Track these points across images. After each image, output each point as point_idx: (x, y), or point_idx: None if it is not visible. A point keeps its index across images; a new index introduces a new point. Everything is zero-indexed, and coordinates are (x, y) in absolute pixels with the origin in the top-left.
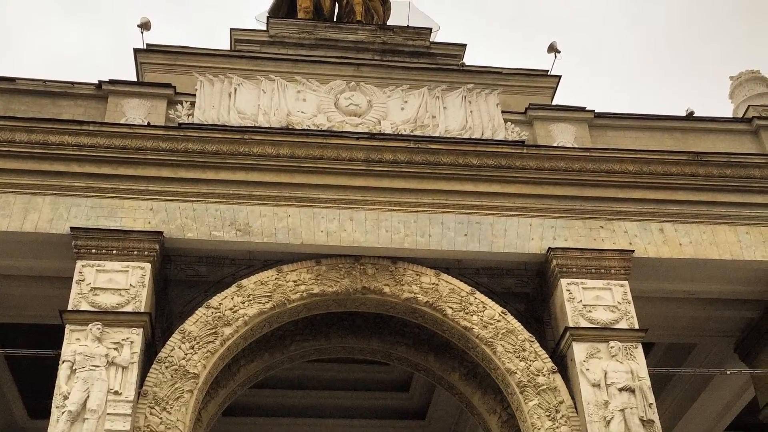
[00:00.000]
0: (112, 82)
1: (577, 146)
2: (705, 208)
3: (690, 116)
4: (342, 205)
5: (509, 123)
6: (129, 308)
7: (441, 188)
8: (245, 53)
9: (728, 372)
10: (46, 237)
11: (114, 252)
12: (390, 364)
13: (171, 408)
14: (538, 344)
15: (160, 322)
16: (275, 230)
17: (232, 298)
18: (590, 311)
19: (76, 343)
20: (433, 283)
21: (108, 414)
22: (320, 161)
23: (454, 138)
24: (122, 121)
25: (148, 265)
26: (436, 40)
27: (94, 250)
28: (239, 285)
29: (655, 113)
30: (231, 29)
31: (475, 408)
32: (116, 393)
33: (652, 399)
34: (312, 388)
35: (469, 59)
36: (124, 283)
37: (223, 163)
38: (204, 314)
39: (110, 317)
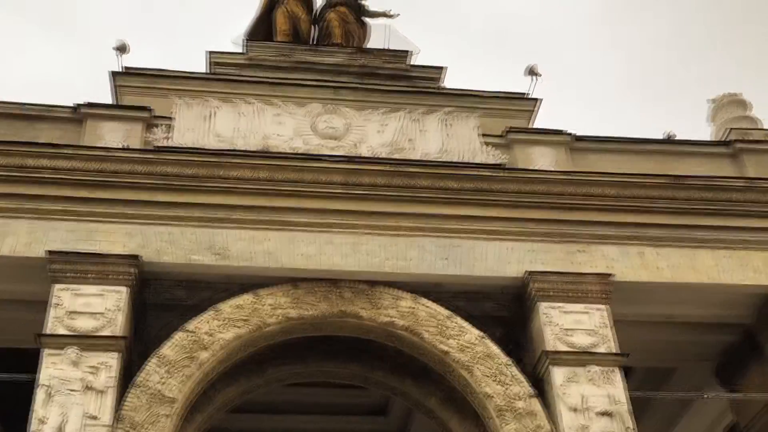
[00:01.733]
0: (89, 105)
1: (556, 169)
2: (685, 232)
3: (670, 139)
4: (320, 229)
5: (488, 146)
6: (106, 332)
7: (419, 212)
8: (223, 76)
9: (708, 396)
10: (22, 261)
11: (91, 276)
12: (368, 389)
13: None
14: (516, 368)
15: (137, 346)
16: (253, 254)
17: (209, 322)
18: (569, 335)
19: (52, 367)
20: (411, 307)
21: None
22: (298, 185)
23: (432, 161)
24: (100, 145)
25: (124, 289)
26: (415, 62)
27: (70, 274)
28: (216, 309)
29: (635, 136)
30: (208, 52)
31: None
32: (93, 417)
33: (630, 423)
34: (289, 412)
35: (449, 82)
36: (101, 307)
37: (201, 187)
38: (181, 338)
39: (87, 341)
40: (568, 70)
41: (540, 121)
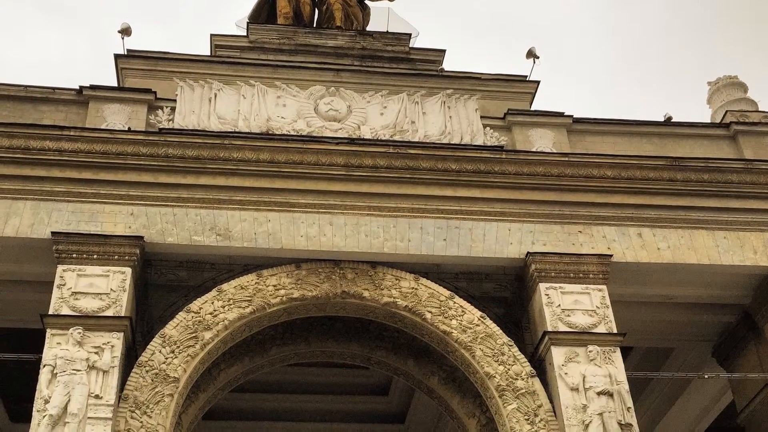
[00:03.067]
0: (92, 87)
1: (555, 151)
2: (683, 213)
3: (668, 122)
4: (322, 210)
5: (488, 128)
6: (110, 312)
7: (420, 193)
8: (225, 59)
9: (706, 376)
10: (27, 242)
11: (95, 256)
12: (369, 368)
13: (151, 412)
14: (516, 348)
15: (140, 327)
16: (255, 235)
17: (213, 303)
18: (569, 315)
19: (57, 347)
20: (413, 288)
21: (89, 418)
22: (300, 166)
23: (433, 143)
24: (103, 127)
25: (128, 270)
26: (416, 45)
27: (74, 255)
28: (219, 289)
29: (634, 119)
30: (211, 35)
31: (454, 412)
32: (97, 397)
33: (630, 403)
34: (292, 391)
35: (449, 65)
36: (105, 287)
37: (204, 168)
38: (184, 318)
39: (91, 321)
40: (567, 53)
41: (539, 103)
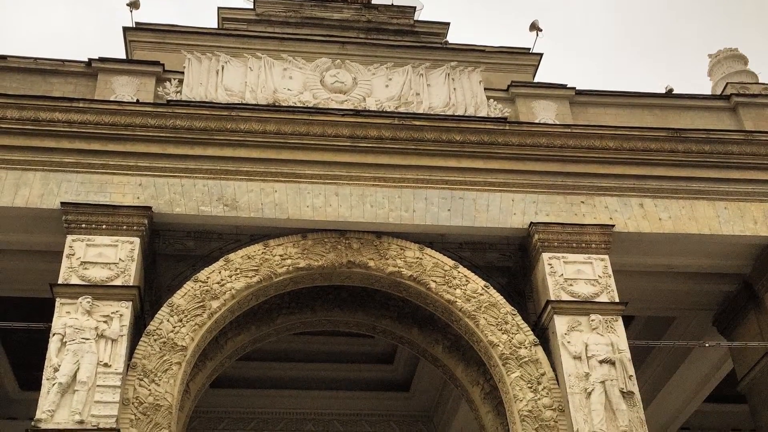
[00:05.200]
0: (101, 59)
1: (558, 123)
2: (684, 184)
3: (669, 93)
4: (327, 181)
5: (492, 100)
6: (118, 282)
7: (425, 164)
8: (232, 31)
9: (707, 345)
10: (36, 212)
11: (103, 227)
12: (374, 337)
13: (159, 380)
14: (520, 317)
15: (148, 296)
16: (262, 205)
17: (220, 272)
18: (571, 285)
19: (66, 316)
20: (417, 258)
21: (97, 386)
22: (306, 137)
23: (437, 115)
24: (112, 98)
25: (137, 240)
26: (420, 18)
27: (84, 225)
28: (226, 259)
29: (635, 90)
30: (218, 8)
31: (458, 380)
32: (106, 365)
33: (632, 371)
34: (298, 360)
35: (453, 37)
36: (114, 257)
37: (211, 140)
38: (192, 288)
39: (100, 291)
40: (570, 25)
41: (542, 75)
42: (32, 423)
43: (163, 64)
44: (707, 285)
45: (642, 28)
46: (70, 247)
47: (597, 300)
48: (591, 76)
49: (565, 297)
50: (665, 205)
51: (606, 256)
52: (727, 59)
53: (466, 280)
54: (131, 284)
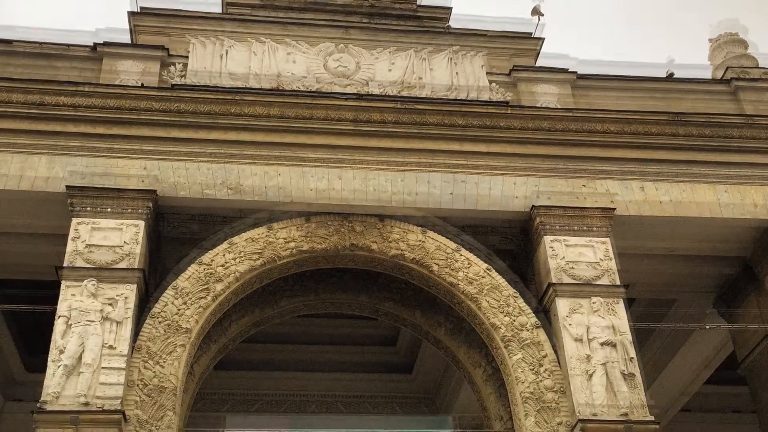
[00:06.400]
0: (106, 44)
1: (560, 106)
2: (685, 167)
3: (670, 77)
4: (331, 164)
5: (494, 84)
6: (123, 265)
7: (427, 147)
8: (236, 16)
9: (707, 327)
10: (42, 195)
11: (108, 210)
12: (377, 320)
13: (164, 362)
14: (522, 300)
15: (153, 279)
16: (266, 188)
17: (224, 255)
18: (573, 268)
19: (71, 299)
20: (420, 241)
21: (102, 368)
22: (309, 121)
23: (440, 98)
24: (117, 83)
25: (141, 223)
26: (423, 3)
27: (89, 208)
28: (230, 242)
29: (637, 75)
30: None
31: (461, 362)
32: (111, 347)
33: (633, 353)
34: (301, 342)
35: (455, 22)
36: (119, 240)
37: (215, 123)
38: (196, 271)
39: (105, 273)
40: (572, 6)
41: (542, 59)
42: (38, 405)
43: (167, 49)
44: (708, 268)
45: (643, 8)
46: (75, 230)
47: (598, 283)
48: (591, 56)
49: (567, 280)
50: (666, 188)
51: (607, 239)
52: (727, 43)
53: (469, 263)
54: (136, 267)
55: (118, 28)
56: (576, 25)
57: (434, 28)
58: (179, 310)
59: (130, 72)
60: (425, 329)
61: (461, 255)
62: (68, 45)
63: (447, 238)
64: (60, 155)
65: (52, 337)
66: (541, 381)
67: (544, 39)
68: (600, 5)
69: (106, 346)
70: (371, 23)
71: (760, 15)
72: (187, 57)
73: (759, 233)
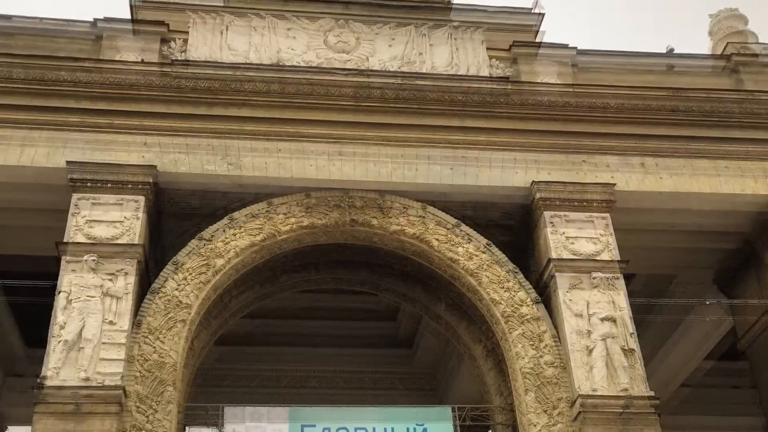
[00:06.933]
0: (107, 20)
1: (560, 82)
2: (684, 143)
3: (670, 53)
4: (331, 140)
5: (494, 60)
6: (123, 240)
7: (427, 123)
8: None
9: (707, 302)
10: (42, 171)
11: (109, 185)
12: (378, 295)
13: (164, 338)
14: (522, 275)
15: (153, 254)
16: (266, 164)
17: (224, 231)
18: (573, 243)
19: (72, 274)
20: (420, 216)
21: (103, 343)
22: (310, 97)
23: (440, 74)
24: (117, 58)
25: (141, 198)
26: None
27: (89, 184)
28: (231, 218)
29: (636, 50)
30: None
31: (461, 337)
32: (111, 323)
33: (633, 328)
34: (302, 317)
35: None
36: (119, 215)
37: (216, 99)
38: (196, 246)
39: (105, 249)
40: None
41: (543, 36)
42: (38, 380)
43: (167, 25)
44: (707, 243)
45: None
46: (76, 205)
47: (598, 258)
48: (591, 34)
49: (567, 255)
50: (666, 164)
51: (607, 215)
52: (727, 19)
53: (469, 239)
54: (136, 242)
55: (118, 18)
56: (576, 17)
57: (434, 4)
58: (179, 285)
59: (130, 48)
60: (425, 304)
61: (461, 230)
62: (68, 21)
63: (447, 213)
64: (60, 131)
65: (53, 313)
66: (541, 356)
67: (544, 15)
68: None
69: (107, 321)
70: None
71: (761, 8)
72: (187, 33)
73: (759, 209)
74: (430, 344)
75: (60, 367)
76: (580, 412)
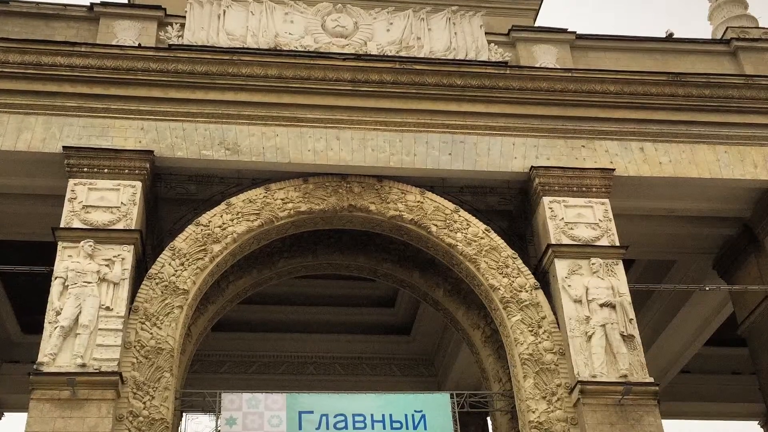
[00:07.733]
0: (103, 4)
1: (559, 67)
2: (684, 128)
3: (670, 38)
4: (329, 125)
5: (493, 44)
6: (120, 225)
7: (426, 108)
8: None
9: (707, 288)
10: (39, 156)
11: (105, 170)
12: (376, 281)
13: (161, 323)
14: (520, 261)
15: (150, 240)
16: (263, 149)
17: (221, 216)
18: (572, 228)
19: (68, 260)
20: (418, 201)
21: (99, 329)
22: (307, 82)
23: (438, 59)
24: (114, 43)
25: (138, 183)
26: None
27: (86, 169)
28: (228, 203)
29: (636, 35)
30: None
31: (459, 323)
32: (107, 309)
33: (632, 314)
34: (299, 303)
35: None
36: (116, 200)
37: (213, 84)
38: (193, 231)
39: (102, 234)
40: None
41: (542, 18)
42: (34, 366)
43: (164, 9)
44: (707, 229)
45: None
46: (72, 191)
47: (597, 243)
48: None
49: (566, 241)
50: (665, 149)
51: (606, 200)
52: (727, 3)
53: (467, 224)
54: (133, 228)
55: (115, 3)
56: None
57: None
58: (176, 271)
59: (127, 32)
60: (424, 290)
61: (460, 215)
62: (65, 5)
63: (445, 198)
64: (57, 115)
65: (49, 299)
66: (540, 342)
67: None
68: None
69: (103, 307)
70: None
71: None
72: (184, 17)
73: (758, 194)
74: (428, 330)
75: (56, 353)
76: (579, 399)
